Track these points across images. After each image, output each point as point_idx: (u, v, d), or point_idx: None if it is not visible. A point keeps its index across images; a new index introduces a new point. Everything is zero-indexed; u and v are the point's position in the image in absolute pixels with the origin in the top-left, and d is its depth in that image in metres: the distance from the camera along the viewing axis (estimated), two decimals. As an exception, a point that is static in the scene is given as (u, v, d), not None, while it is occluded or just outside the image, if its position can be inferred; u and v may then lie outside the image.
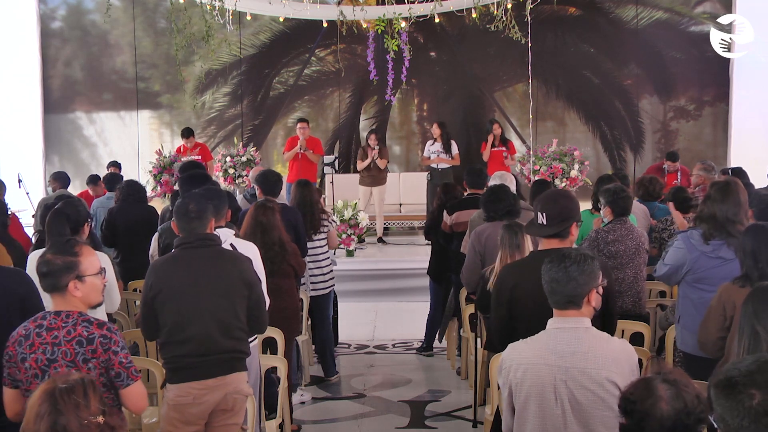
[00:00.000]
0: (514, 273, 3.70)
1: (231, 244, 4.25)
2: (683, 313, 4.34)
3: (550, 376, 2.83)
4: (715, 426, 1.98)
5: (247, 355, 3.80)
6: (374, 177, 10.91)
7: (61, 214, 4.55)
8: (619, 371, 2.80)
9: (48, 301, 3.79)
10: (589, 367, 2.81)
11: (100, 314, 4.53)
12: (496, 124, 10.94)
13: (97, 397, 2.35)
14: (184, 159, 10.06)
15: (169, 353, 3.70)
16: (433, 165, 10.77)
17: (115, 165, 10.36)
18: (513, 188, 5.84)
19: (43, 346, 2.92)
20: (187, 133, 11.10)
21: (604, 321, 3.47)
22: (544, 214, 3.58)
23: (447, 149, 10.73)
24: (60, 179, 8.81)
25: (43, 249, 4.50)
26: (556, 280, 2.89)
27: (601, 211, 5.37)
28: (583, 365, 2.81)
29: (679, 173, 9.70)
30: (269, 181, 6.12)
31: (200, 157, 10.65)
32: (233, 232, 4.42)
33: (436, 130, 10.79)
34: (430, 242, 7.24)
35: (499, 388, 4.23)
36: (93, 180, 9.83)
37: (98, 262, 3.10)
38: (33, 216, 8.07)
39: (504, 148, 10.76)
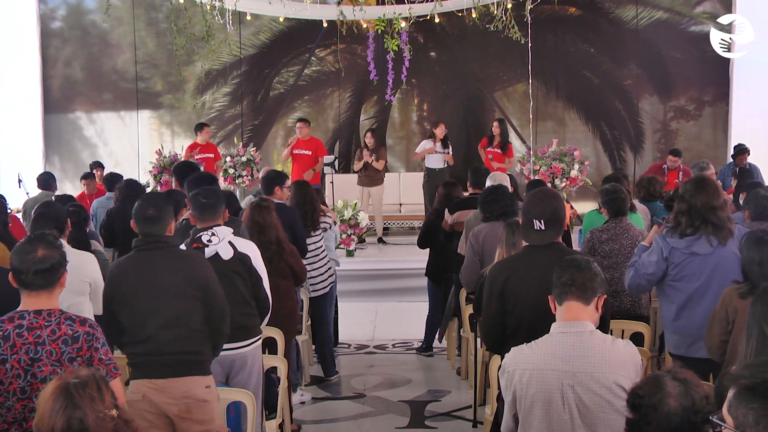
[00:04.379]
0: (506, 267, 3.68)
1: (230, 242, 4.25)
2: (665, 314, 4.32)
3: (557, 381, 2.83)
4: (720, 426, 1.95)
5: (205, 357, 3.75)
6: (371, 177, 10.94)
7: (44, 216, 4.57)
8: (626, 374, 2.81)
9: None
10: (596, 371, 2.81)
11: (86, 305, 4.55)
12: (495, 123, 10.90)
13: (109, 392, 2.35)
14: (195, 157, 10.15)
15: (128, 350, 3.75)
16: (432, 166, 10.74)
17: (99, 165, 10.46)
18: (507, 187, 5.86)
19: (26, 346, 2.89)
20: (201, 126, 10.93)
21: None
22: (542, 220, 3.54)
23: (445, 148, 10.76)
24: (38, 180, 8.89)
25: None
26: (585, 275, 2.92)
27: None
28: (590, 369, 2.82)
29: (681, 173, 9.68)
30: (265, 179, 6.21)
31: (212, 155, 10.70)
32: (231, 230, 4.42)
33: (442, 131, 10.73)
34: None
35: (499, 388, 4.24)
36: (87, 176, 9.90)
37: None
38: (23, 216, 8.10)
39: (497, 150, 10.61)
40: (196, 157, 10.31)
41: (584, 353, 2.84)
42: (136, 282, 3.67)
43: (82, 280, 4.43)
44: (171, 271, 3.69)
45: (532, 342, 2.96)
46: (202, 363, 3.73)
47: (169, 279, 3.67)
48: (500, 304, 3.57)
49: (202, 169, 9.63)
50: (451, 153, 10.78)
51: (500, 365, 4.36)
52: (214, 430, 3.73)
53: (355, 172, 11.21)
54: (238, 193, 10.49)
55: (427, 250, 7.10)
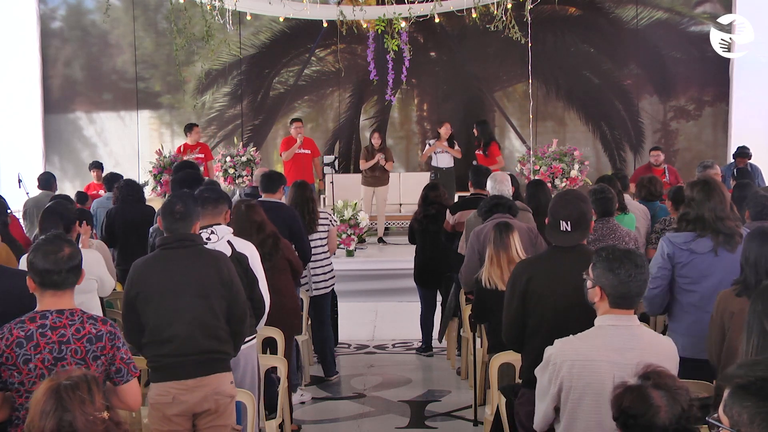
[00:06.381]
0: (529, 267, 3.69)
1: (228, 241, 4.24)
2: (677, 316, 4.31)
3: (608, 373, 2.86)
4: (719, 426, 1.94)
5: (230, 355, 3.76)
6: (378, 178, 10.93)
7: (54, 213, 4.55)
8: (671, 367, 2.86)
9: None
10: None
11: (95, 302, 4.57)
12: (475, 124, 10.97)
13: (101, 393, 2.35)
14: (185, 158, 10.07)
15: (150, 353, 3.69)
16: (439, 165, 10.75)
17: (96, 167, 10.44)
18: (508, 188, 5.89)
19: (50, 346, 2.88)
20: (190, 127, 10.89)
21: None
22: (569, 222, 3.54)
23: (451, 147, 10.81)
24: (38, 180, 8.88)
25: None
26: (645, 280, 2.95)
27: None
28: (641, 362, 2.84)
29: (667, 172, 9.66)
30: (263, 179, 6.15)
31: (202, 155, 10.67)
32: (231, 230, 4.41)
33: (447, 130, 10.74)
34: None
35: (498, 388, 4.24)
36: (82, 200, 9.65)
37: None
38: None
39: (480, 153, 10.65)
40: (185, 158, 10.28)
41: (636, 345, 2.88)
42: (161, 280, 3.65)
43: (89, 279, 4.46)
44: (196, 269, 3.68)
45: (580, 334, 2.98)
46: (226, 360, 3.74)
47: (194, 277, 3.65)
48: (521, 304, 3.58)
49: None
50: (457, 148, 10.82)
51: (499, 362, 4.37)
52: (232, 426, 3.75)
53: (358, 172, 11.16)
54: (238, 193, 10.47)
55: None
